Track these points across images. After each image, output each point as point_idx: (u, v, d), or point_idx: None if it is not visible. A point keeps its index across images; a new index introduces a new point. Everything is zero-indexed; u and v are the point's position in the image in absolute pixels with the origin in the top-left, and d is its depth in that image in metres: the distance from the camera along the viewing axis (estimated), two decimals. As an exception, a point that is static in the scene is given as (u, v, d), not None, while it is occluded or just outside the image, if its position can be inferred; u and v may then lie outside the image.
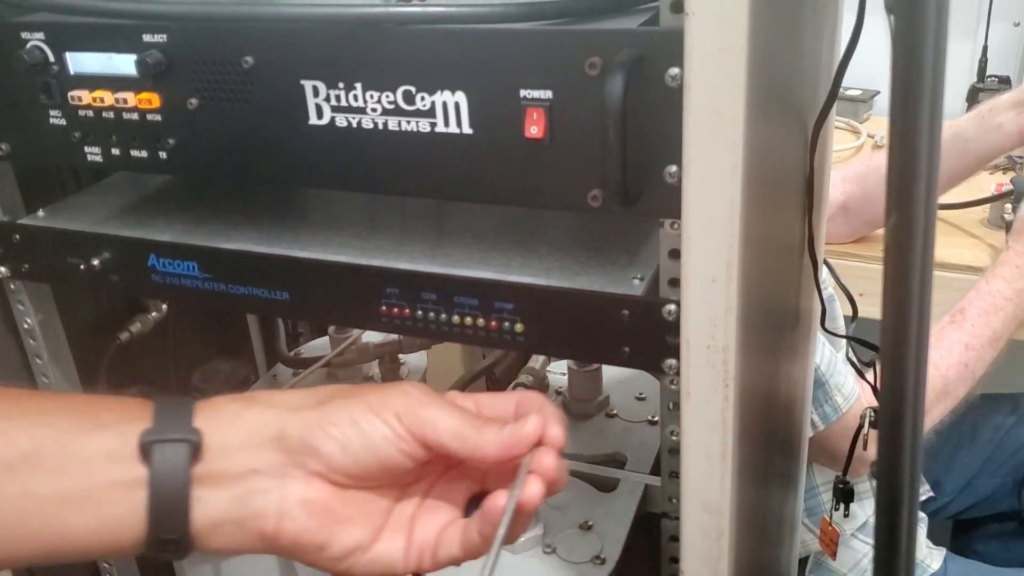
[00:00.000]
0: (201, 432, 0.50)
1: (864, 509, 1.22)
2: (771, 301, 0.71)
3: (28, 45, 0.68)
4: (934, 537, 1.32)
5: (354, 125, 0.61)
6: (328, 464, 0.50)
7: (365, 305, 0.67)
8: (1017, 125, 1.27)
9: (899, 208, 0.36)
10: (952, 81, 1.52)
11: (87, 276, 0.74)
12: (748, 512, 0.67)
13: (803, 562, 1.23)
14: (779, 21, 0.58)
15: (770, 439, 0.80)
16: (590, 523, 0.81)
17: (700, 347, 0.55)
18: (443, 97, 0.58)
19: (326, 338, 1.13)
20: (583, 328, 0.61)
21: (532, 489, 0.49)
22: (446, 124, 0.59)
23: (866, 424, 0.90)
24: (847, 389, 1.07)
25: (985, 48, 1.85)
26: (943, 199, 1.42)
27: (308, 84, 0.61)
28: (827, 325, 0.92)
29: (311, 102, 0.62)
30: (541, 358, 1.06)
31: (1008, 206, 1.38)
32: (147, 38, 0.64)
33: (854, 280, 0.90)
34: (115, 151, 0.70)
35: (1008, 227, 1.34)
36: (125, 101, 0.67)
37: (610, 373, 1.03)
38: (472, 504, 0.54)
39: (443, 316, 0.65)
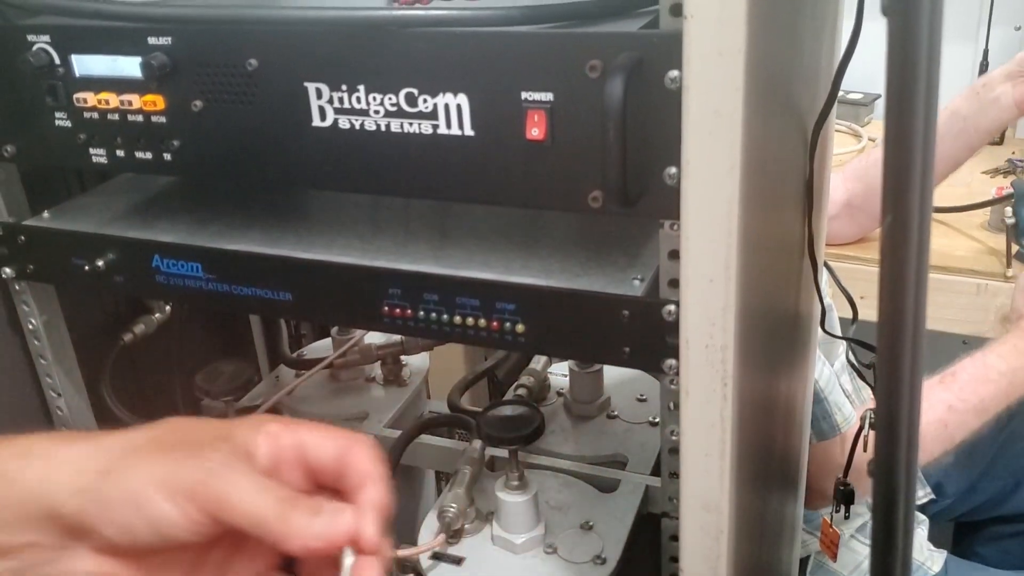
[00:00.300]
0: None
1: (865, 511, 1.22)
2: (771, 302, 0.71)
3: (34, 48, 0.68)
4: (935, 539, 1.32)
5: (357, 127, 0.62)
6: (111, 544, 0.44)
7: (367, 306, 0.67)
8: (1014, 97, 1.28)
9: (894, 209, 0.37)
10: (953, 85, 1.53)
11: (91, 277, 0.75)
12: (748, 512, 0.67)
13: (803, 563, 1.23)
14: (778, 24, 0.59)
15: (770, 440, 0.80)
16: (591, 523, 0.82)
17: (699, 346, 0.56)
18: (445, 99, 0.58)
19: (329, 339, 1.13)
20: (584, 329, 0.62)
21: None
22: (448, 126, 0.59)
23: (867, 426, 0.90)
24: (847, 410, 1.07)
25: (986, 52, 1.86)
26: (947, 183, 1.41)
27: (311, 86, 0.62)
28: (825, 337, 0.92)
29: (314, 104, 0.62)
30: (543, 359, 1.06)
31: (1008, 209, 1.38)
32: (152, 41, 0.65)
33: (854, 283, 0.90)
34: (120, 153, 0.70)
35: (1008, 231, 1.35)
36: (130, 103, 0.67)
37: (611, 374, 1.03)
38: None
39: (445, 317, 0.65)
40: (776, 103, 0.62)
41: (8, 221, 0.79)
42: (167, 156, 0.69)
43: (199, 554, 0.47)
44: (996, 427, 1.49)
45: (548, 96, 0.55)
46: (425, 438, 0.97)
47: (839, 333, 1.06)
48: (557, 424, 1.00)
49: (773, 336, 0.75)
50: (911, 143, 0.36)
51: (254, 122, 0.65)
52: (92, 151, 0.71)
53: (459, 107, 0.58)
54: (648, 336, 0.60)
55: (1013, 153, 1.70)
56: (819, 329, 0.90)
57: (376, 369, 1.10)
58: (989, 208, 1.46)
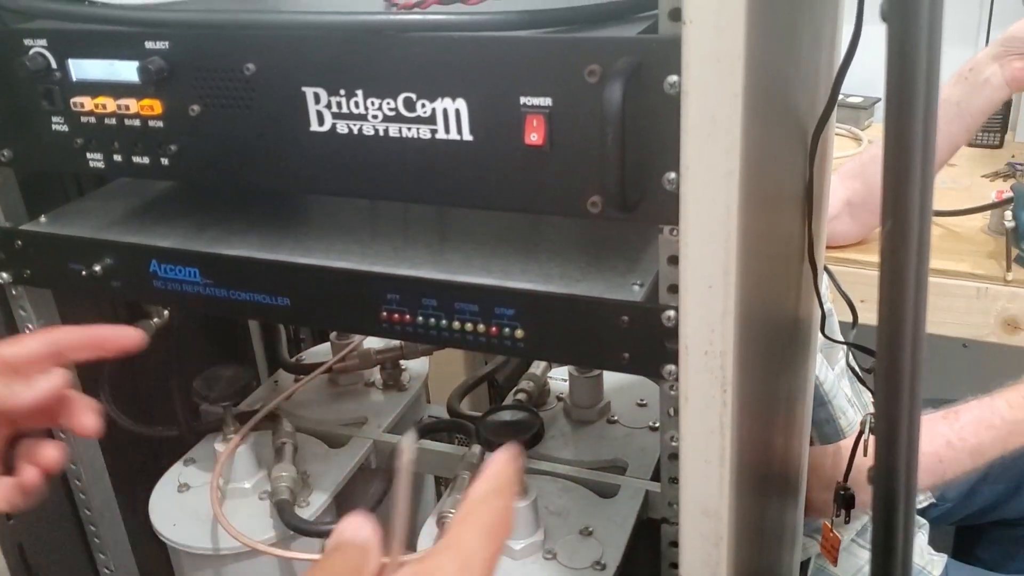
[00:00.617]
0: None
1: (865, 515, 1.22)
2: (771, 307, 0.71)
3: (31, 52, 0.68)
4: (936, 543, 1.32)
5: (355, 132, 0.61)
6: None
7: (366, 311, 0.67)
8: (1004, 76, 1.28)
9: (894, 213, 0.37)
10: (952, 88, 1.52)
11: (89, 282, 0.75)
12: (747, 517, 0.67)
13: (803, 567, 1.22)
14: (777, 29, 0.58)
15: (770, 445, 0.80)
16: (590, 529, 0.81)
17: (698, 352, 0.55)
18: (443, 104, 0.58)
19: (328, 344, 1.13)
20: (583, 334, 0.62)
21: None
22: (446, 131, 0.59)
23: (867, 430, 0.90)
24: (851, 415, 1.07)
25: (985, 55, 1.85)
26: (947, 185, 1.41)
27: (309, 91, 0.61)
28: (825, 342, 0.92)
29: (312, 109, 0.62)
30: (543, 364, 1.06)
31: (1008, 213, 1.38)
32: (149, 45, 0.65)
33: (854, 286, 0.90)
34: (117, 157, 0.70)
35: (1008, 234, 1.35)
36: (127, 108, 0.67)
37: (611, 379, 1.03)
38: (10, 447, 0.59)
39: (443, 322, 0.65)
40: (775, 107, 0.62)
41: (5, 226, 0.78)
42: (164, 161, 0.69)
43: None
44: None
45: (547, 101, 0.55)
46: (425, 443, 0.97)
47: (839, 337, 1.05)
48: (557, 429, 0.99)
49: (773, 341, 0.75)
50: (911, 147, 0.36)
51: (252, 127, 0.64)
52: (89, 156, 0.71)
53: (458, 112, 0.58)
54: (647, 342, 0.59)
55: (1013, 156, 1.70)
56: (819, 334, 0.90)
57: (375, 373, 1.10)
58: (989, 212, 1.45)
